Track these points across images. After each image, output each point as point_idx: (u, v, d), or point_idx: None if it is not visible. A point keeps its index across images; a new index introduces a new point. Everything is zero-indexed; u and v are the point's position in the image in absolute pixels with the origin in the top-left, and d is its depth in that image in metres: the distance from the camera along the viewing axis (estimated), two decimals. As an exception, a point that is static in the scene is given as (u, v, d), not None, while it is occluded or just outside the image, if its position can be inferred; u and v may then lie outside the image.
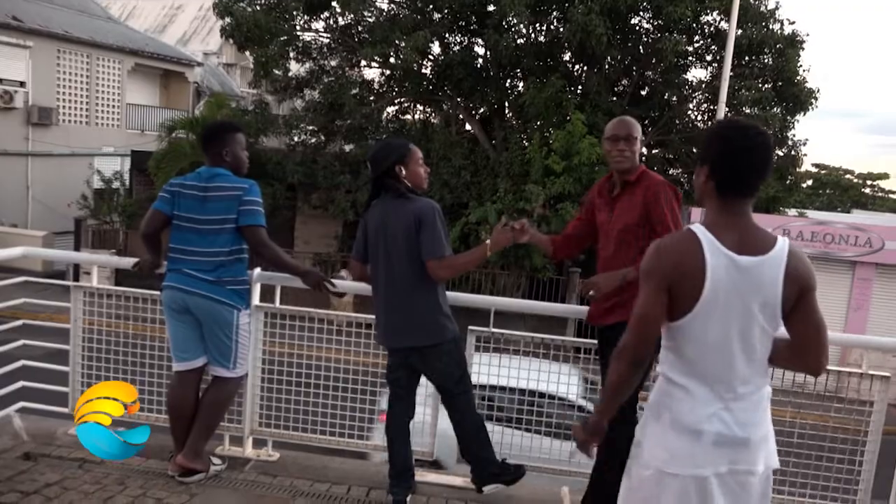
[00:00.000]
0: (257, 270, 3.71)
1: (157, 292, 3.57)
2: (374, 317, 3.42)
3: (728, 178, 2.00)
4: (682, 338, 2.03)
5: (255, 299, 3.77)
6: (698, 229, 2.00)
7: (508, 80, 16.72)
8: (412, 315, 3.22)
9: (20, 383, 4.00)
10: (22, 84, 19.69)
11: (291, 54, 16.24)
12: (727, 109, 14.36)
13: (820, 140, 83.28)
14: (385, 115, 17.53)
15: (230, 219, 3.37)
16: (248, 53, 16.87)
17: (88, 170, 18.69)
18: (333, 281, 3.52)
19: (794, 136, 16.32)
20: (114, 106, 22.98)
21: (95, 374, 3.99)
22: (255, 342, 3.79)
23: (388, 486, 3.40)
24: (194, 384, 3.55)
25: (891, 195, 35.98)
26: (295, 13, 16.01)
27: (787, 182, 17.04)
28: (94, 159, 20.55)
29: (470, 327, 3.76)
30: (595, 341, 3.45)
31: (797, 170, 17.22)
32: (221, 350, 3.48)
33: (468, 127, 17.00)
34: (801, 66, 15.44)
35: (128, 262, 3.79)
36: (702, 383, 2.02)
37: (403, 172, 3.22)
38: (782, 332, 2.06)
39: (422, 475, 3.70)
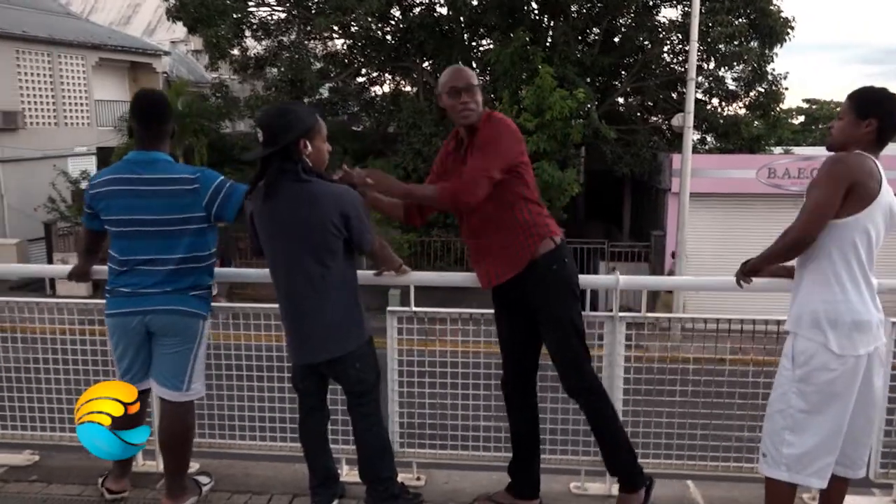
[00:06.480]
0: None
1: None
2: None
3: (892, 131, 2.52)
4: (853, 233, 2.47)
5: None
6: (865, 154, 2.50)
7: (473, 39, 16.15)
8: (324, 323, 2.75)
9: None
10: (-18, 89, 19.12)
11: (247, 32, 15.64)
12: (701, 47, 13.81)
13: (811, 75, 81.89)
14: (352, 86, 16.95)
15: (188, 218, 2.87)
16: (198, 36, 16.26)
17: (53, 171, 18.19)
18: None
19: (773, 70, 15.81)
20: (82, 104, 22.29)
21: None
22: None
23: (310, 496, 3.05)
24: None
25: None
26: (244, -12, 15.40)
27: (771, 119, 16.52)
28: (66, 161, 20.00)
29: (389, 308, 3.38)
30: None
31: (779, 105, 16.64)
32: (175, 368, 2.99)
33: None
34: (774, -5, 14.87)
35: (62, 270, 3.36)
36: (860, 279, 2.49)
37: (308, 149, 2.66)
38: None
39: (353, 475, 3.36)
